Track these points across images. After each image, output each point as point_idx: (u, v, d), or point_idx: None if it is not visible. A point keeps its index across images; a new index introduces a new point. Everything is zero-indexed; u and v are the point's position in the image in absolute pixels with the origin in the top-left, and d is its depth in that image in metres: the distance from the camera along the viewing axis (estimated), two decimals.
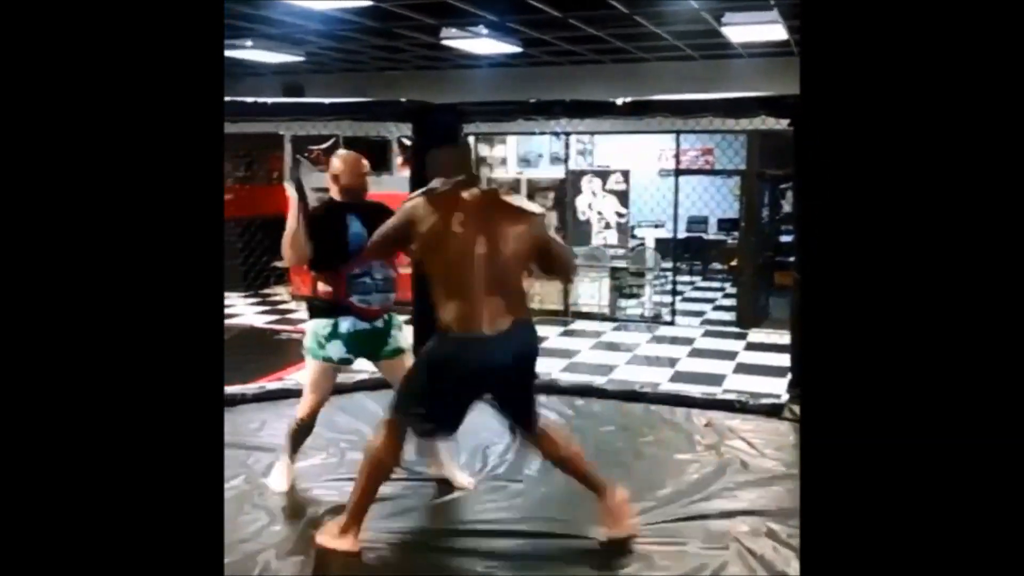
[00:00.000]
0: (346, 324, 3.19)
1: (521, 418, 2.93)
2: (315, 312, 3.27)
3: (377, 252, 2.99)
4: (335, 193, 3.29)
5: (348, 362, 3.29)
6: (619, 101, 4.46)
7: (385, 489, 2.96)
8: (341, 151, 3.42)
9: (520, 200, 2.97)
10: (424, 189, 2.80)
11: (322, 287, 3.20)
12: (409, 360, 3.23)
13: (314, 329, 3.24)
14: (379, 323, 3.28)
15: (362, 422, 4.03)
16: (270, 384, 4.99)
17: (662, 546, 2.93)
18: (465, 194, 2.75)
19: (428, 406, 2.78)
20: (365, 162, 3.32)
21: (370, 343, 3.28)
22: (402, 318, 3.48)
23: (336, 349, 3.21)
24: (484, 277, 2.67)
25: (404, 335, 3.43)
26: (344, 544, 2.84)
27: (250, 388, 4.77)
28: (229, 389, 4.59)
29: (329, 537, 2.88)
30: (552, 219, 9.02)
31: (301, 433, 3.38)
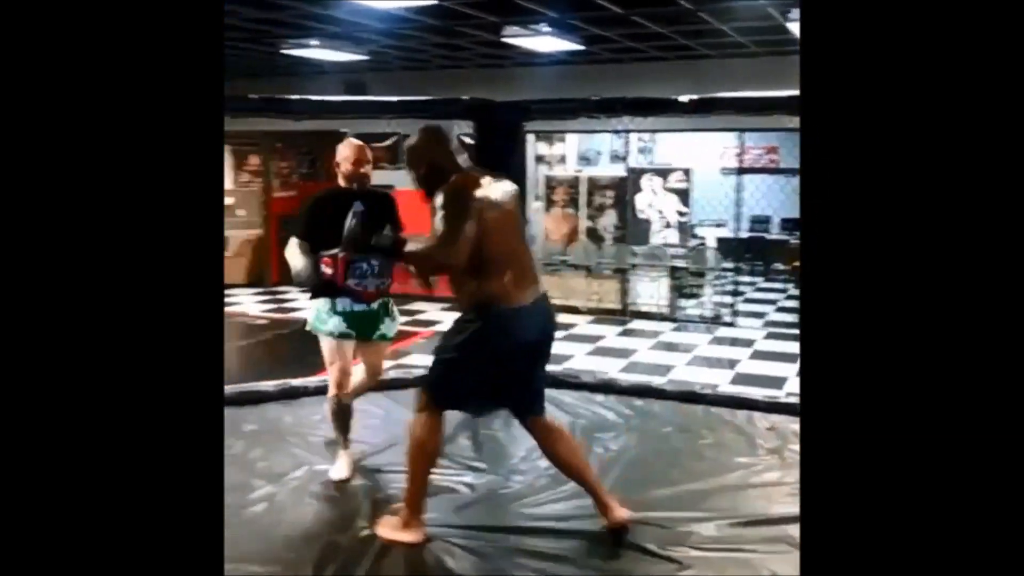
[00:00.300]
0: (342, 304, 3.41)
1: (528, 402, 2.97)
2: (316, 292, 3.46)
3: (468, 255, 2.73)
4: (340, 179, 3.49)
5: (348, 336, 3.45)
6: (684, 98, 4.40)
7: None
8: (348, 139, 3.58)
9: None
10: (453, 181, 2.83)
11: (325, 270, 3.36)
12: (387, 348, 3.59)
13: (316, 306, 3.46)
14: (374, 305, 3.47)
15: None
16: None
17: (723, 551, 2.89)
18: (481, 178, 2.87)
19: (472, 383, 2.86)
20: (369, 152, 3.54)
21: (363, 324, 3.46)
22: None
23: (335, 324, 3.41)
24: (526, 251, 2.92)
25: (394, 324, 3.60)
26: (408, 536, 2.88)
27: (312, 381, 4.84)
28: (293, 382, 4.69)
29: (391, 530, 2.91)
30: (612, 217, 8.98)
31: (341, 413, 3.53)
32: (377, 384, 3.76)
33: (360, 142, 3.56)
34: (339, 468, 3.53)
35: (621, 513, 2.97)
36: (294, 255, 3.41)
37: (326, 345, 3.46)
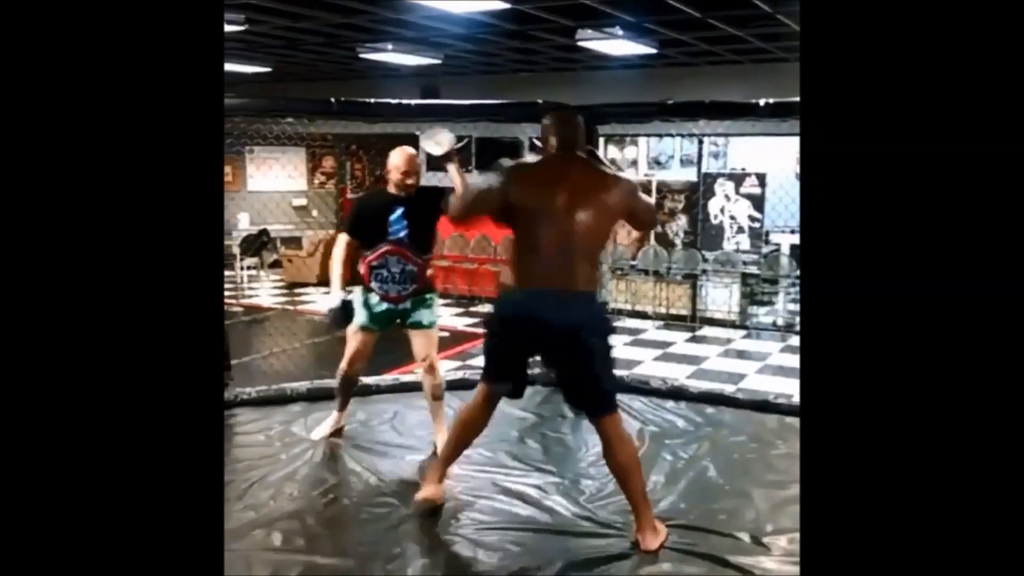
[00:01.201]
0: (373, 299, 3.71)
1: (579, 399, 2.99)
2: (357, 281, 3.78)
3: (467, 208, 3.03)
4: (390, 185, 3.70)
5: (370, 330, 3.76)
6: (762, 102, 4.34)
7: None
8: (401, 147, 3.73)
9: (608, 167, 3.10)
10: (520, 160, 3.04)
11: (361, 267, 3.71)
12: (433, 334, 3.81)
13: (356, 295, 3.77)
14: (402, 306, 3.72)
15: None
16: (403, 376, 5.14)
17: (794, 563, 2.83)
18: (554, 161, 2.95)
19: (495, 364, 3.04)
20: (418, 161, 3.74)
21: (388, 319, 3.76)
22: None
23: (361, 316, 3.73)
24: (556, 241, 2.76)
25: (431, 312, 3.80)
26: (428, 493, 3.11)
27: (384, 379, 4.93)
28: (365, 380, 4.77)
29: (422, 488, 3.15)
30: (683, 222, 8.88)
31: (345, 384, 3.92)
32: (436, 377, 3.84)
33: (412, 151, 3.72)
34: (322, 428, 3.97)
35: (650, 543, 2.88)
36: (336, 261, 3.75)
37: (349, 329, 3.79)
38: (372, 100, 4.94)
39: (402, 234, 3.63)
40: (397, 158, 3.66)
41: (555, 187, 2.81)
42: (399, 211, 3.63)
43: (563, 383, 3.08)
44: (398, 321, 3.77)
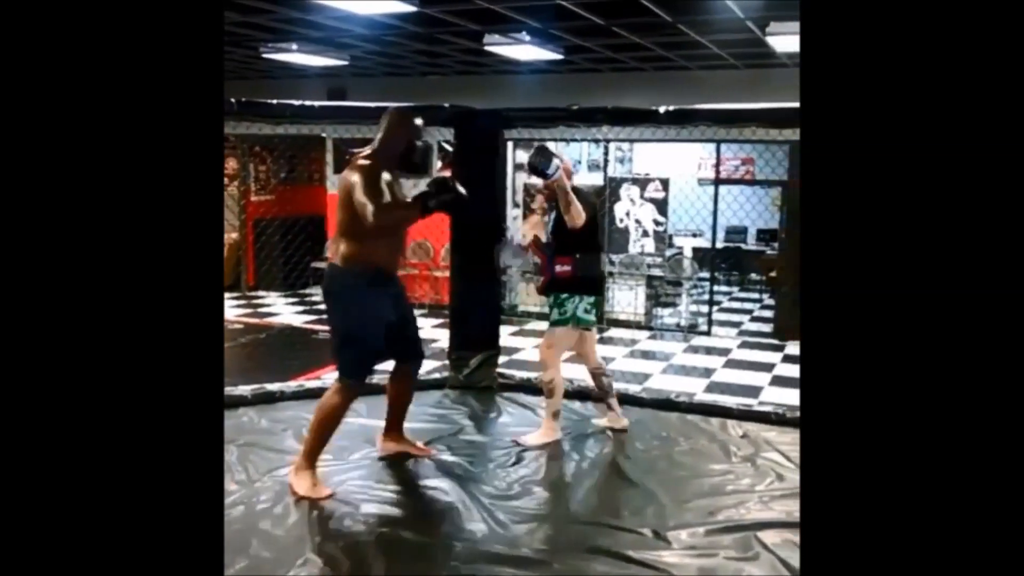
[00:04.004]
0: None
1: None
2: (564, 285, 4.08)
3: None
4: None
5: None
6: (662, 109, 4.46)
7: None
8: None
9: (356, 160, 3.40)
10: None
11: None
12: (549, 336, 4.13)
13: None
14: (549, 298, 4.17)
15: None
16: (309, 383, 5.05)
17: (695, 557, 2.92)
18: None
19: None
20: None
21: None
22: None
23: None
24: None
25: (554, 312, 4.07)
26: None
27: (289, 386, 4.83)
28: (269, 386, 4.67)
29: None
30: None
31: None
32: (594, 369, 4.35)
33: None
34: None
35: (297, 487, 3.31)
36: None
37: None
38: (275, 101, 4.84)
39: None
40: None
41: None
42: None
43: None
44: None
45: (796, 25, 6.07)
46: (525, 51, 7.53)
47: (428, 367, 6.38)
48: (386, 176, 3.36)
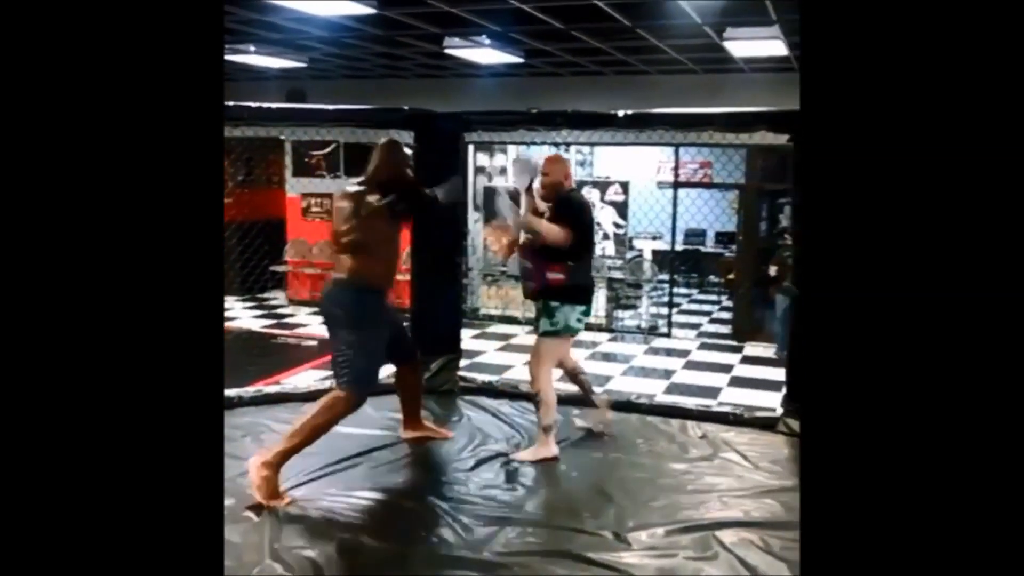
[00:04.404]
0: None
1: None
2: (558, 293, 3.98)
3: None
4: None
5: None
6: (620, 113, 4.49)
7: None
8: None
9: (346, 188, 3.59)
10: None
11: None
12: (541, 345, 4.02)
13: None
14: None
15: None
16: (267, 388, 5.00)
17: (655, 557, 2.94)
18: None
19: None
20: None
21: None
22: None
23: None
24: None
25: (545, 323, 3.96)
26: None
27: (247, 391, 4.78)
28: (227, 392, 4.61)
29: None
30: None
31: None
32: (571, 370, 4.32)
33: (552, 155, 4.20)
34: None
35: (253, 478, 3.29)
36: None
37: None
38: (232, 103, 4.78)
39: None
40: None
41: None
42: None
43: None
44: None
45: (752, 31, 6.17)
46: (485, 54, 7.54)
47: (388, 371, 6.36)
48: (372, 199, 3.46)
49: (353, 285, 3.46)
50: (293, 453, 3.36)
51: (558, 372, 4.17)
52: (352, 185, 3.58)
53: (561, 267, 3.88)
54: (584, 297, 4.00)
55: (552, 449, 3.92)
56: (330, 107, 5.19)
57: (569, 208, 3.91)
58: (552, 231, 3.81)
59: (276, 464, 3.31)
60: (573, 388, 4.45)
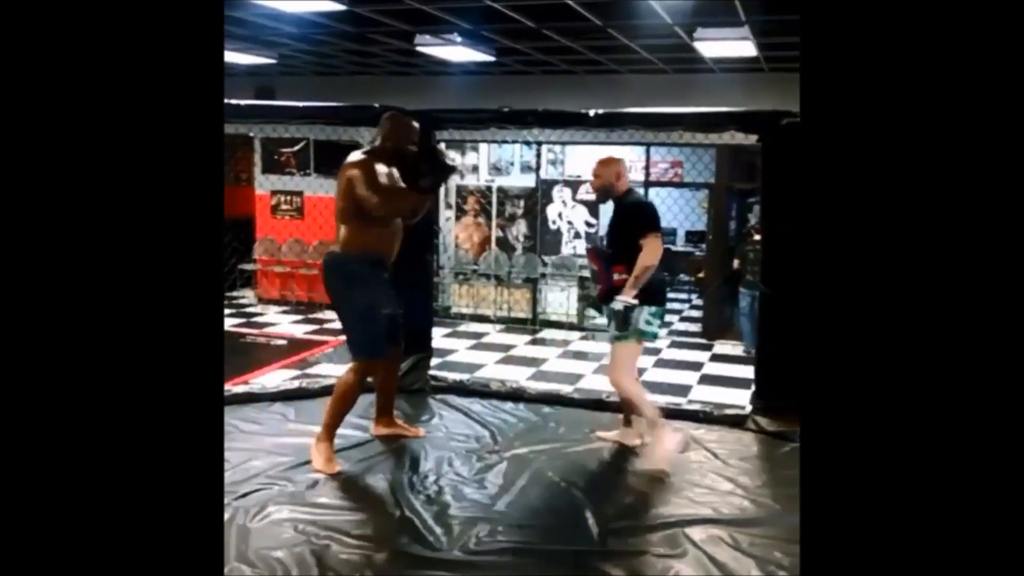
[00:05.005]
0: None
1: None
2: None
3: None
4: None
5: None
6: (591, 112, 4.51)
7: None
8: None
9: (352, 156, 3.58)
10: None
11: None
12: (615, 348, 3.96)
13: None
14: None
15: None
16: (235, 387, 4.95)
17: (624, 555, 2.95)
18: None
19: None
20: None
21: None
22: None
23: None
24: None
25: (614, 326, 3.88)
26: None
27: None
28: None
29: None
30: (523, 227, 9.07)
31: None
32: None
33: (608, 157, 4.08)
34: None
35: (315, 462, 3.58)
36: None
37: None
38: None
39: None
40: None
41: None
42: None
43: None
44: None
45: (722, 31, 6.21)
46: (456, 52, 7.52)
47: None
48: (382, 168, 3.52)
49: (353, 255, 3.54)
50: (334, 426, 3.66)
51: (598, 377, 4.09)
52: (358, 153, 3.56)
53: (625, 268, 3.73)
54: (655, 297, 3.78)
55: (671, 439, 3.75)
56: (299, 104, 5.14)
57: (637, 216, 3.79)
58: (647, 259, 3.66)
59: (326, 436, 3.63)
60: (549, 386, 4.45)
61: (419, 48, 7.30)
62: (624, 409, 4.15)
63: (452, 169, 3.63)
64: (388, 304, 3.63)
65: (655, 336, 3.90)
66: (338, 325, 3.83)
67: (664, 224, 10.80)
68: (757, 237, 6.99)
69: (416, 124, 3.71)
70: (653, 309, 3.79)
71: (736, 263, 7.61)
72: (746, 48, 6.71)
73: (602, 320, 8.63)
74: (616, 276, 3.76)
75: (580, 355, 7.50)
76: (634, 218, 3.80)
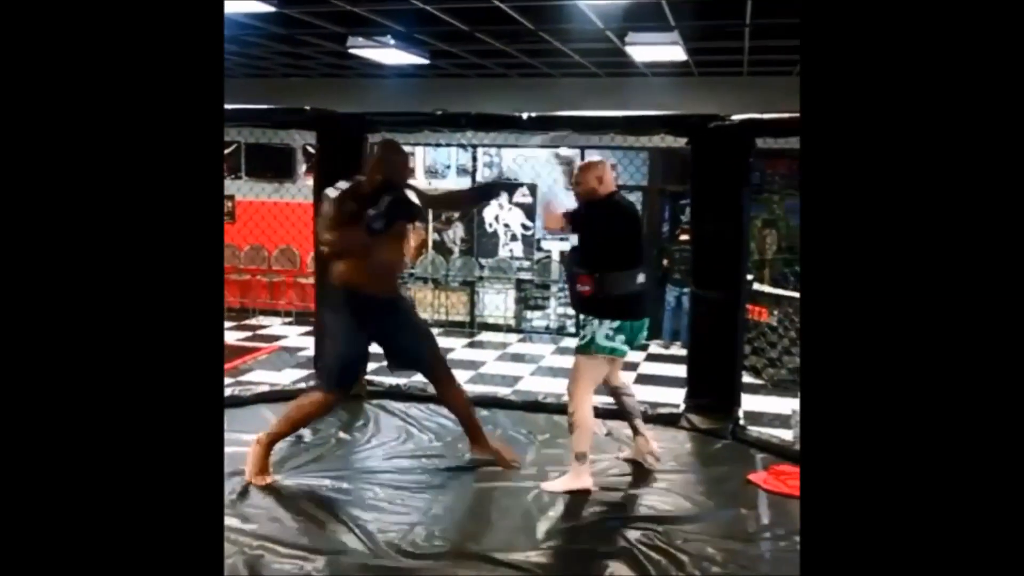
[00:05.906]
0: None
1: None
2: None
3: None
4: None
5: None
6: (525, 115, 4.53)
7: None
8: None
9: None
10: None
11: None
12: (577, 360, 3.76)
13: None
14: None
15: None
16: None
17: (562, 555, 2.97)
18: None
19: None
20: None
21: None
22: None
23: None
24: None
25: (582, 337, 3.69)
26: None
27: None
28: None
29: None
30: (460, 230, 9.06)
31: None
32: (615, 388, 4.01)
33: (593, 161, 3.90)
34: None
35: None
36: None
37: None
38: None
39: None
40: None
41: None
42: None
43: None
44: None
45: (653, 36, 6.31)
46: (390, 55, 7.47)
47: (294, 376, 6.22)
48: (351, 206, 3.41)
49: (339, 289, 3.54)
50: (281, 437, 3.64)
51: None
52: (337, 188, 3.49)
53: (589, 278, 3.51)
54: (616, 312, 3.51)
55: (585, 480, 3.51)
56: (230, 106, 5.04)
57: (591, 216, 3.63)
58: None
59: (267, 445, 3.57)
60: (487, 388, 4.45)
61: (352, 50, 7.24)
62: (626, 418, 3.99)
63: (410, 217, 3.58)
64: (365, 338, 3.62)
65: (622, 353, 3.66)
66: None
67: None
68: (684, 237, 7.18)
69: (408, 159, 3.69)
70: (616, 324, 3.51)
71: (664, 263, 7.81)
72: (676, 53, 6.83)
73: (540, 323, 8.66)
74: (579, 287, 3.56)
75: (518, 357, 7.53)
76: (585, 220, 3.64)
